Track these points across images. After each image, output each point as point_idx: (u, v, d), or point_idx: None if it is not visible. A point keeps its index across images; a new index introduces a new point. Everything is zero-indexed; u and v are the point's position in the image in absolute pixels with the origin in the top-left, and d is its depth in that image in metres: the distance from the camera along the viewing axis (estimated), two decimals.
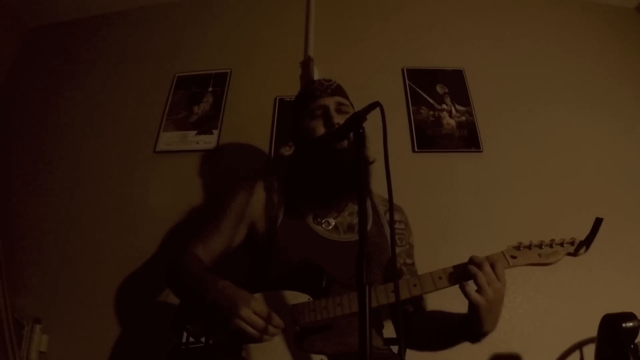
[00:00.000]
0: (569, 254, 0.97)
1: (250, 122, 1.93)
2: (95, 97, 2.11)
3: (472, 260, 0.94)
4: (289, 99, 1.95)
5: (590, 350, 1.44)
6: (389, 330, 1.23)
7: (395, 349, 1.16)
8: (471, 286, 0.92)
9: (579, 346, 1.49)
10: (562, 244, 0.97)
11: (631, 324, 1.16)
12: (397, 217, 1.28)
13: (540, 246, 0.97)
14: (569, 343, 1.50)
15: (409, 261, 1.23)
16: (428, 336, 1.10)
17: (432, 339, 1.10)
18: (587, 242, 0.95)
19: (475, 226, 1.68)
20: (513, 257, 0.96)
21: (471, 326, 0.95)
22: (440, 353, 1.12)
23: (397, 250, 1.21)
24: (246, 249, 1.25)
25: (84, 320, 1.61)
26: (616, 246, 1.66)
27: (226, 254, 1.20)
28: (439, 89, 1.99)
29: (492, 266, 0.92)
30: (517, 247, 0.98)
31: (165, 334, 1.06)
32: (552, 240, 0.97)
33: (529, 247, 0.97)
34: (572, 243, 0.97)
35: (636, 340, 1.15)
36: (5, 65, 2.23)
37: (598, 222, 0.93)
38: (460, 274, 0.95)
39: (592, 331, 1.27)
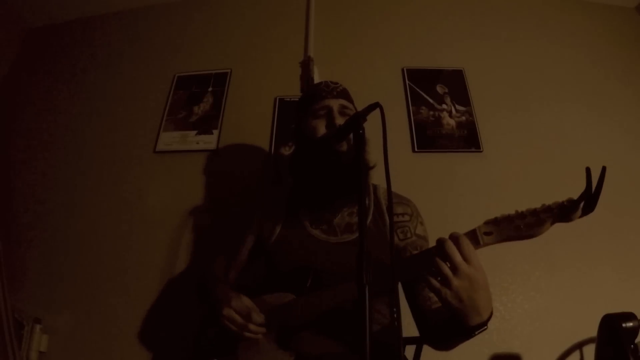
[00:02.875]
0: (559, 219, 0.80)
1: (250, 122, 1.93)
2: (95, 97, 2.11)
3: (437, 243, 0.83)
4: (289, 99, 1.95)
5: (590, 350, 1.44)
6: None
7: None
8: (430, 278, 0.81)
9: (579, 346, 1.49)
10: (549, 210, 0.80)
11: (631, 324, 1.16)
12: (400, 210, 1.26)
13: (522, 216, 0.82)
14: (569, 343, 1.50)
15: (415, 253, 1.19)
16: (432, 334, 1.08)
17: (436, 338, 1.07)
18: (583, 200, 0.77)
19: (475, 226, 1.68)
20: (488, 233, 0.83)
21: (458, 321, 0.84)
22: (440, 352, 1.12)
23: (402, 243, 1.20)
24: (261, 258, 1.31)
25: (84, 320, 1.61)
26: (616, 246, 1.66)
27: (244, 265, 1.29)
28: (439, 89, 1.99)
29: (457, 247, 0.80)
30: (495, 222, 0.84)
31: (164, 335, 1.07)
32: (543, 205, 0.81)
33: (509, 218, 0.83)
34: (560, 206, 0.79)
35: (636, 340, 1.15)
36: (5, 65, 2.23)
37: (590, 174, 0.75)
38: (424, 262, 0.84)
39: (592, 331, 1.27)
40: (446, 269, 0.80)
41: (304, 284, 1.03)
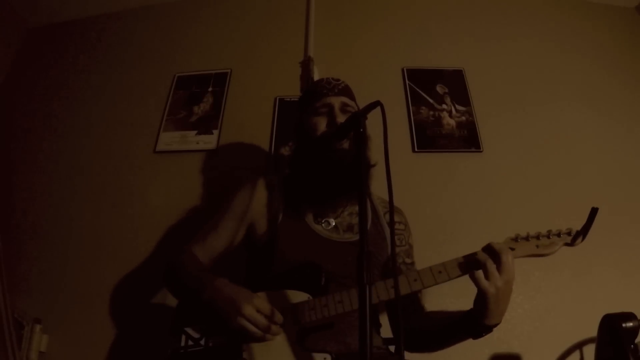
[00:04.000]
0: (566, 244, 0.97)
1: (250, 122, 1.93)
2: (95, 97, 2.11)
3: (486, 248, 0.94)
4: (289, 99, 1.95)
5: (590, 350, 1.44)
6: (386, 330, 1.23)
7: (393, 348, 1.16)
8: (480, 275, 0.90)
9: (579, 346, 1.49)
10: (559, 235, 0.97)
11: (631, 324, 1.16)
12: (396, 218, 1.28)
13: (537, 237, 0.97)
14: (569, 343, 1.50)
15: (408, 261, 1.23)
16: (427, 335, 1.09)
17: (431, 338, 1.09)
18: (584, 231, 0.96)
19: (475, 226, 1.68)
20: (511, 249, 0.96)
21: (476, 319, 0.93)
22: (440, 353, 1.12)
23: (397, 250, 1.21)
24: (245, 249, 1.25)
25: (84, 320, 1.61)
26: (616, 246, 1.66)
27: (225, 254, 1.19)
28: (439, 89, 1.99)
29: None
30: (515, 239, 0.98)
31: (165, 335, 1.06)
32: (549, 231, 0.98)
33: (527, 238, 0.98)
34: (569, 233, 0.98)
35: (636, 340, 1.15)
36: (5, 65, 2.23)
37: (594, 211, 0.93)
38: (468, 264, 0.95)
39: (592, 331, 1.27)
40: (495, 270, 0.90)
41: (317, 282, 1.00)
